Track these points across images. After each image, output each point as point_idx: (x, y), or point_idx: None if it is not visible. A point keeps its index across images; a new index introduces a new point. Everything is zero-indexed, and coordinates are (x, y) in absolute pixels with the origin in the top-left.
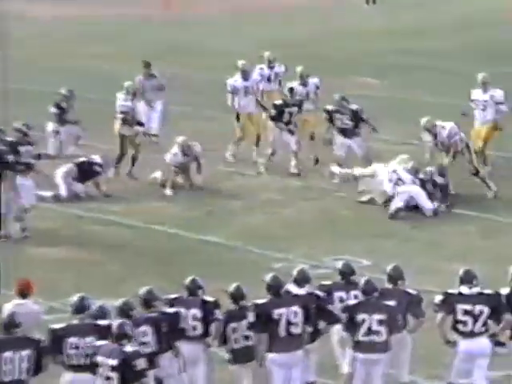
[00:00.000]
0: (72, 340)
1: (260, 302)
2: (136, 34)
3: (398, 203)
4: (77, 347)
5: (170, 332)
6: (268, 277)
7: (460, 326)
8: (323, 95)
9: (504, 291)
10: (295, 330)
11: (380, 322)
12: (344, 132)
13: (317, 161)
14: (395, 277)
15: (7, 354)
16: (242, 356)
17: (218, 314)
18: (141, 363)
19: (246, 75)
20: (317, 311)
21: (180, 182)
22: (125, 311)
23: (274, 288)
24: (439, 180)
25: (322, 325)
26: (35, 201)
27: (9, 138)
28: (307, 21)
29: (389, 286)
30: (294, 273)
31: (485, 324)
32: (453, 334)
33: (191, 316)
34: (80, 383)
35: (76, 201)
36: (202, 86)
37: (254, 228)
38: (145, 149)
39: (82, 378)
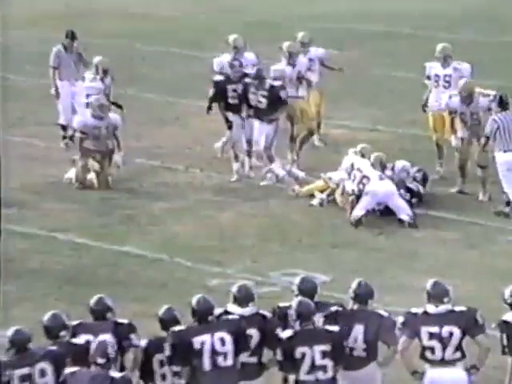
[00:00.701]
0: None
1: (177, 329)
2: None
3: (363, 206)
4: None
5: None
6: (193, 299)
7: (428, 354)
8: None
9: (509, 317)
10: (224, 363)
11: (323, 354)
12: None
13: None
14: (363, 295)
15: None
16: None
17: (135, 338)
18: None
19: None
20: (262, 337)
21: (91, 180)
22: (17, 343)
23: (200, 313)
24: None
25: (267, 355)
26: None
27: None
28: None
29: (354, 306)
30: (234, 290)
31: (458, 349)
32: (423, 363)
33: None
34: None
35: None
36: None
37: (183, 236)
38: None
39: None
